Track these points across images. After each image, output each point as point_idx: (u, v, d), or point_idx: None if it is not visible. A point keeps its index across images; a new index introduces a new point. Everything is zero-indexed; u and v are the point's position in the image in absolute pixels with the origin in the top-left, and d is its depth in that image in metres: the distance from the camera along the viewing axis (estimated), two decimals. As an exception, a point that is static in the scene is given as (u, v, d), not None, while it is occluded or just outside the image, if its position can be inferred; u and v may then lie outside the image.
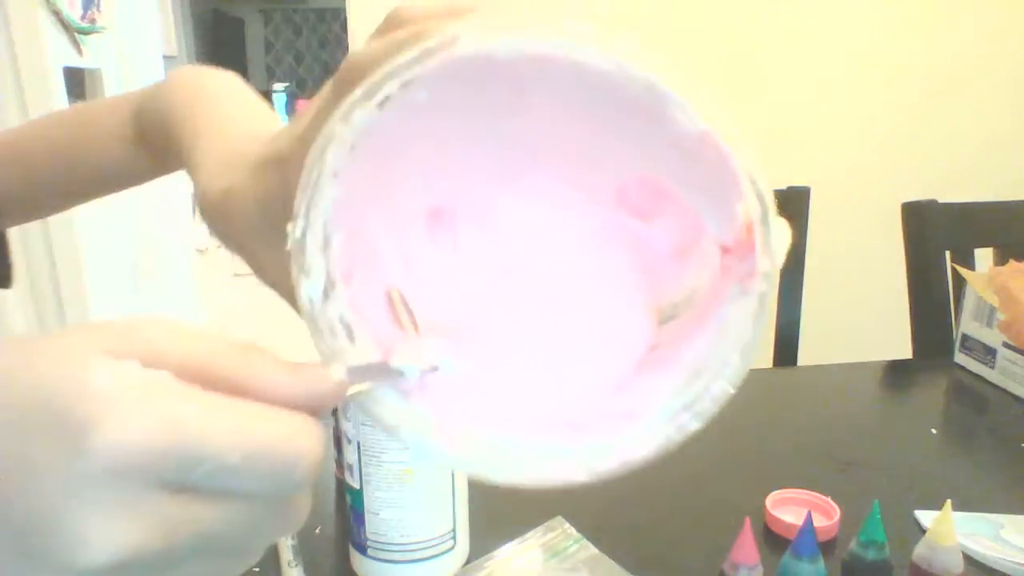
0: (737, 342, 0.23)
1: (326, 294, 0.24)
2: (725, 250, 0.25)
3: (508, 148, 0.27)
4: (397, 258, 0.28)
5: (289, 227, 0.23)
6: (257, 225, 0.29)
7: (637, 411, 0.25)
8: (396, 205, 0.27)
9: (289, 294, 0.25)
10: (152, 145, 0.41)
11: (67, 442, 0.16)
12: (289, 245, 0.23)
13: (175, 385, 0.18)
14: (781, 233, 0.23)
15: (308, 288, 0.24)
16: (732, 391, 0.23)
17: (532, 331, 0.29)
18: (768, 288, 0.23)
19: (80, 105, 0.49)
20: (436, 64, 0.22)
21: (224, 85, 0.39)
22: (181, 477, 0.18)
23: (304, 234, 0.23)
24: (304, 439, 0.19)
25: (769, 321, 0.24)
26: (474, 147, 0.27)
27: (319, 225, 0.23)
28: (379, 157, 0.25)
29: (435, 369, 0.25)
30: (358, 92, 0.22)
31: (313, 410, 0.20)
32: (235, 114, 0.36)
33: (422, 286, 0.28)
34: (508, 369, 0.28)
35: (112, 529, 0.17)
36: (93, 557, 0.17)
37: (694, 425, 0.24)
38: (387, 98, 0.22)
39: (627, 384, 0.27)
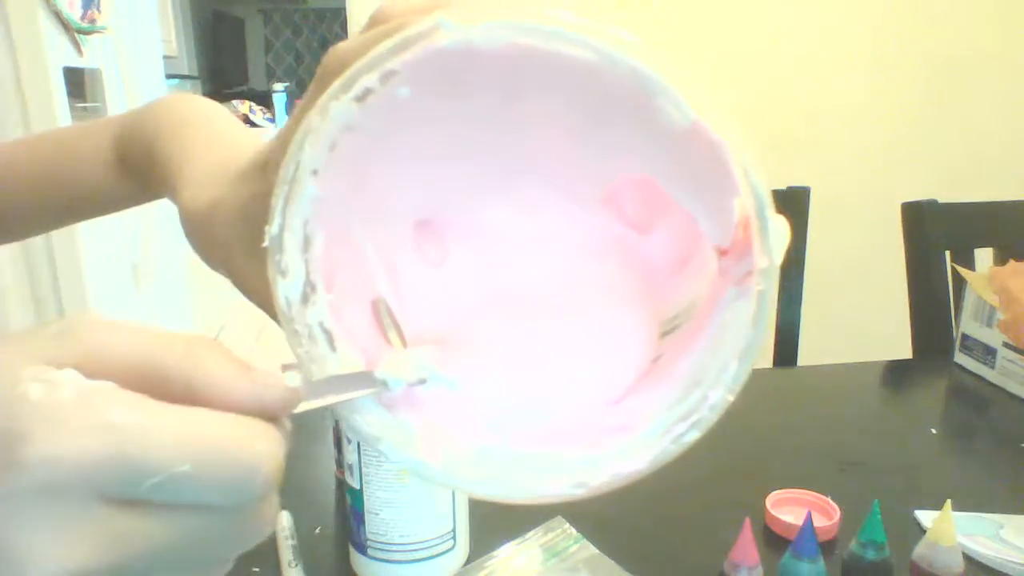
0: (736, 347, 0.22)
1: (305, 297, 0.23)
2: (722, 252, 0.24)
3: (496, 152, 0.26)
4: (383, 267, 0.27)
5: (267, 226, 0.23)
6: (239, 235, 0.28)
7: (633, 424, 0.24)
8: (382, 212, 0.26)
9: (270, 306, 0.24)
10: (135, 169, 0.41)
11: (2, 459, 0.16)
12: (266, 242, 0.23)
13: (116, 393, 0.17)
14: (779, 229, 0.22)
15: (285, 288, 0.23)
16: (731, 398, 0.22)
17: (526, 345, 0.28)
18: (767, 287, 0.22)
19: (61, 128, 0.48)
20: (416, 54, 0.21)
21: (210, 111, 0.39)
22: (129, 490, 0.17)
23: (281, 231, 0.23)
24: (260, 444, 0.18)
25: (769, 321, 0.23)
26: (461, 152, 0.26)
27: (298, 224, 0.23)
28: (362, 159, 0.24)
29: (423, 382, 0.24)
30: (335, 84, 0.21)
31: (267, 416, 0.19)
32: (222, 137, 0.35)
33: (410, 297, 0.27)
34: (500, 384, 0.27)
35: (57, 547, 0.16)
36: None
37: (692, 436, 0.23)
38: (367, 92, 0.21)
39: (625, 398, 0.26)
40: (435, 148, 0.26)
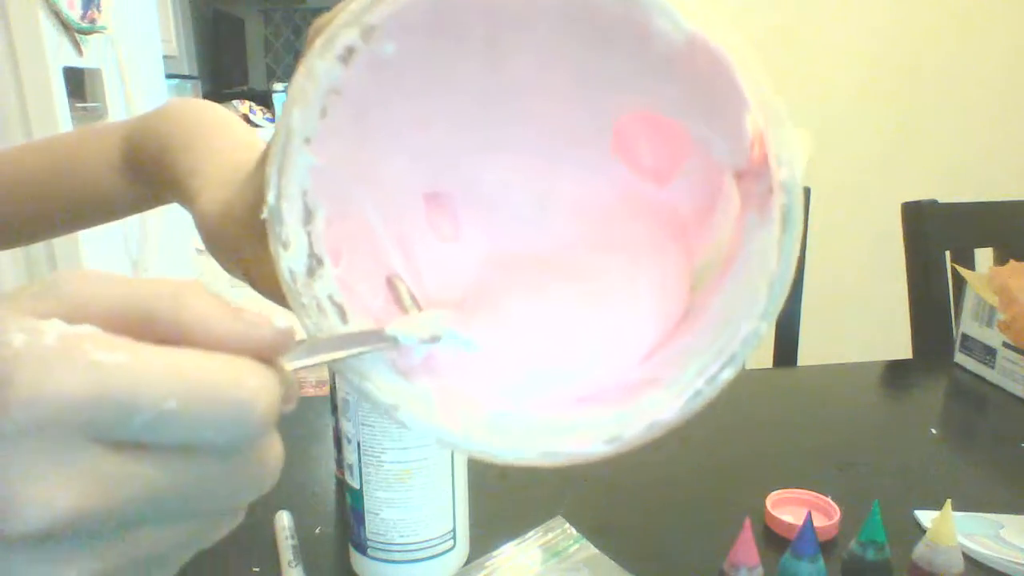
0: (764, 274, 0.21)
1: (311, 271, 0.23)
2: (740, 176, 0.22)
3: (494, 112, 0.25)
4: (395, 243, 0.26)
5: (265, 196, 0.22)
6: (250, 231, 0.28)
7: (663, 376, 0.23)
8: (386, 186, 0.26)
9: (281, 299, 0.24)
10: (144, 174, 0.40)
11: None
12: (264, 214, 0.22)
13: (99, 335, 0.17)
14: (796, 140, 0.20)
15: (287, 260, 0.23)
16: (765, 329, 0.21)
17: (548, 310, 0.27)
18: (790, 201, 0.20)
19: (66, 132, 0.48)
20: (395, 5, 0.20)
21: (220, 117, 0.39)
22: (117, 430, 0.17)
23: (278, 201, 0.22)
24: (252, 380, 0.18)
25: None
26: (458, 116, 0.25)
27: (296, 194, 0.22)
28: (357, 126, 0.23)
29: (436, 340, 0.24)
30: (318, 43, 0.21)
31: (260, 357, 0.19)
32: (235, 142, 0.35)
33: (425, 273, 0.27)
34: (521, 347, 0.26)
35: (45, 489, 0.16)
36: (26, 520, 0.16)
37: (727, 374, 0.21)
38: (351, 50, 0.21)
39: (655, 353, 0.25)
40: (432, 114, 0.25)
